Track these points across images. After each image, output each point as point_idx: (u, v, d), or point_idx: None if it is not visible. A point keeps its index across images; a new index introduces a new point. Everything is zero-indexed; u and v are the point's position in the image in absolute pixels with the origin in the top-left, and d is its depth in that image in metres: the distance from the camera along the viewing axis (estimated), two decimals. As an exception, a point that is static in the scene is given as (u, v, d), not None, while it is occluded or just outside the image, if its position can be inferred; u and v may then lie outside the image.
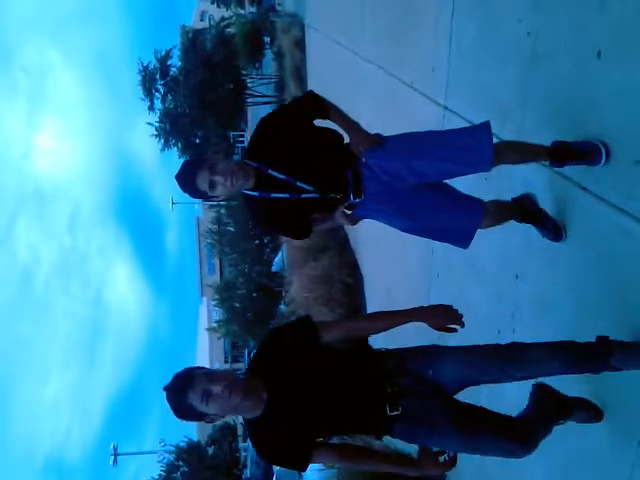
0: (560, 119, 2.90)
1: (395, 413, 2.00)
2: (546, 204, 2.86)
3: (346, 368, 2.07)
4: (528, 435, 2.01)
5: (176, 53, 21.54)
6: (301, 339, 2.06)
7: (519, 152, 2.64)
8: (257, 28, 24.65)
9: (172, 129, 20.64)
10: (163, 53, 21.25)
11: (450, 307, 2.09)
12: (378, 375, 2.05)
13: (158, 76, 20.90)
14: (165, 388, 1.98)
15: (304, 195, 2.41)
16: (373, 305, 9.12)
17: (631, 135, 2.38)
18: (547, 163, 2.68)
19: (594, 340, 2.08)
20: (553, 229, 2.73)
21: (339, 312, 9.81)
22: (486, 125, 2.45)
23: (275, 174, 2.38)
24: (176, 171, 2.39)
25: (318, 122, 2.54)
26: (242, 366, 41.11)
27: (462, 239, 2.58)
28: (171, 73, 20.96)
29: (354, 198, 2.46)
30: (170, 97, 20.68)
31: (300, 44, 17.33)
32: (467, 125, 4.06)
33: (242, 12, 30.33)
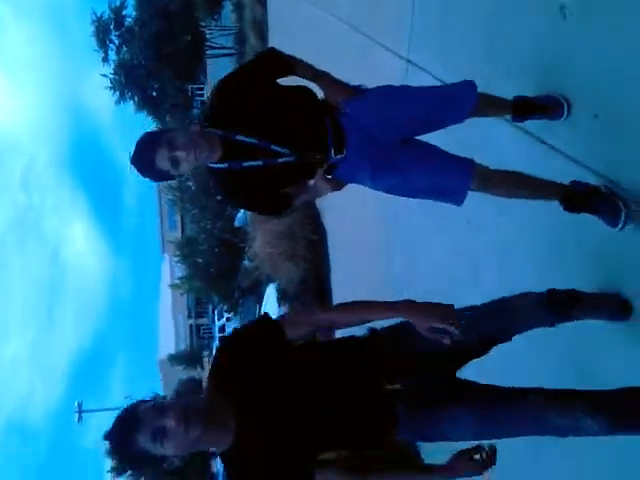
0: (525, 74, 2.95)
1: (396, 387, 1.70)
2: (506, 159, 2.93)
3: (327, 365, 1.73)
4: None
5: (131, 3, 20.73)
6: (265, 342, 1.69)
7: (485, 105, 2.49)
8: (215, -23, 23.77)
9: (127, 81, 20.01)
10: (117, 3, 20.40)
11: (451, 308, 1.66)
12: (370, 370, 1.74)
13: (112, 27, 20.11)
14: (107, 435, 1.58)
15: (280, 160, 2.15)
16: (337, 260, 9.24)
17: (591, 90, 2.45)
18: (509, 117, 2.67)
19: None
20: (612, 212, 2.20)
21: (303, 267, 9.93)
22: (471, 82, 2.34)
23: (244, 139, 2.12)
24: (130, 154, 2.12)
25: (285, 81, 2.32)
26: (206, 321, 41.22)
27: (454, 195, 2.28)
28: (126, 24, 20.18)
29: (336, 154, 2.21)
30: (125, 48, 19.97)
31: (260, -4, 16.82)
32: (429, 78, 4.10)
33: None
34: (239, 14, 20.03)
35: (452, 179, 2.24)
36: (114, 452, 1.63)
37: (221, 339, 1.88)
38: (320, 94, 2.30)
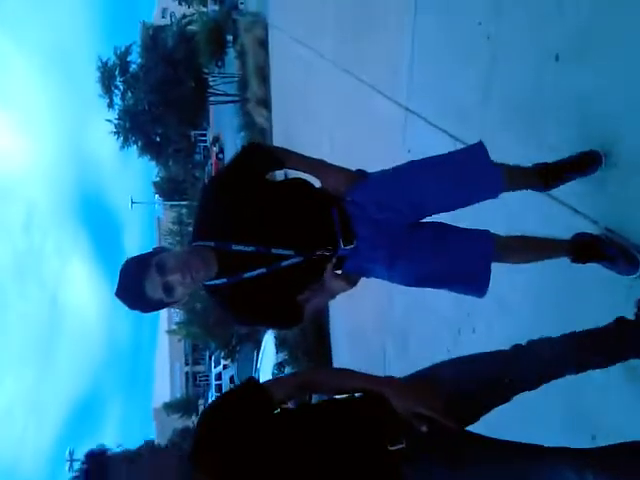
0: (519, 122, 2.94)
1: (399, 447, 1.53)
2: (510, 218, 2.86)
3: (324, 428, 1.59)
4: None
5: (136, 49, 21.22)
6: (251, 410, 1.58)
7: (515, 177, 2.21)
8: (219, 26, 24.41)
9: (132, 127, 20.32)
10: (123, 49, 20.87)
11: (436, 394, 1.56)
12: (370, 430, 1.57)
13: (117, 72, 20.55)
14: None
15: (284, 263, 1.91)
16: (335, 308, 9.13)
17: (585, 137, 2.41)
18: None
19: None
20: (623, 257, 2.15)
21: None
22: (480, 146, 2.10)
23: (241, 248, 1.88)
24: (115, 287, 1.83)
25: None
26: (202, 369, 40.65)
27: (475, 283, 2.07)
28: (131, 70, 20.63)
29: (345, 245, 1.97)
30: (130, 94, 20.35)
31: (263, 43, 17.23)
32: (427, 126, 4.09)
33: (204, 10, 29.99)
34: (242, 61, 20.47)
35: (474, 265, 2.04)
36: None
37: (203, 414, 1.65)
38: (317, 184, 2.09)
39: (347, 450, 1.54)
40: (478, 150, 2.08)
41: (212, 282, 1.91)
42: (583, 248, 2.19)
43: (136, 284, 1.78)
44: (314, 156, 2.13)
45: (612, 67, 2.30)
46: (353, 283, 1.89)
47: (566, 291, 2.58)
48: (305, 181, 2.06)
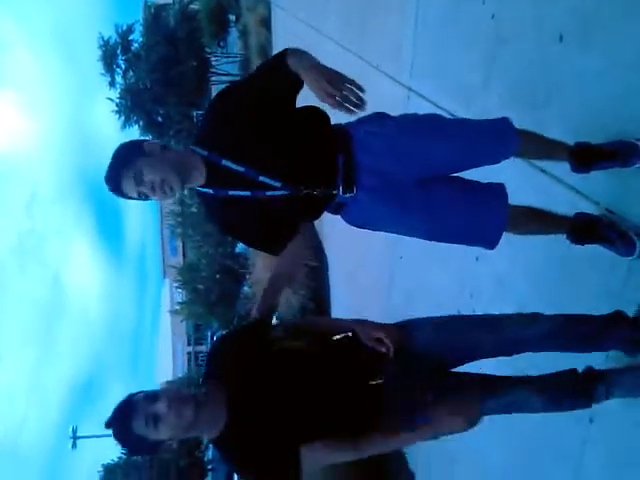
0: (523, 101, 2.92)
1: (378, 382, 1.80)
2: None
3: (314, 360, 1.83)
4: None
5: (138, 28, 21.02)
6: (253, 341, 1.85)
7: (536, 146, 2.17)
8: (222, 5, 24.15)
9: (133, 106, 20.18)
10: (125, 28, 20.68)
11: (389, 326, 1.86)
12: (355, 365, 1.83)
13: (119, 51, 20.37)
14: (107, 424, 1.70)
15: (268, 193, 1.87)
16: (337, 288, 9.15)
17: (589, 117, 2.40)
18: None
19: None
20: (620, 239, 2.12)
21: (302, 294, 9.83)
22: (506, 119, 2.03)
23: (230, 165, 1.85)
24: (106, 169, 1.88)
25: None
26: (204, 349, 40.88)
27: (486, 238, 2.05)
28: (133, 49, 20.45)
29: (344, 192, 1.91)
30: (131, 73, 20.20)
31: (266, 22, 17.06)
32: (430, 106, 4.06)
33: (207, -12, 29.63)
34: (245, 41, 20.32)
35: (488, 221, 2.00)
36: (116, 438, 1.71)
37: (213, 341, 1.95)
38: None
39: (333, 379, 1.78)
40: (500, 120, 2.03)
41: (200, 189, 1.93)
42: (583, 228, 2.18)
43: (115, 179, 1.84)
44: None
45: (617, 49, 2.28)
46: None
47: (566, 272, 2.59)
48: (323, 115, 1.97)
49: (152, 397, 1.67)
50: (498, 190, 2.04)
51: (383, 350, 1.79)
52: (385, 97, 5.22)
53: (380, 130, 1.95)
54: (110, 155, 1.89)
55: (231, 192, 1.88)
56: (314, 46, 9.29)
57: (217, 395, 1.75)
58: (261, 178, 1.85)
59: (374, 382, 1.80)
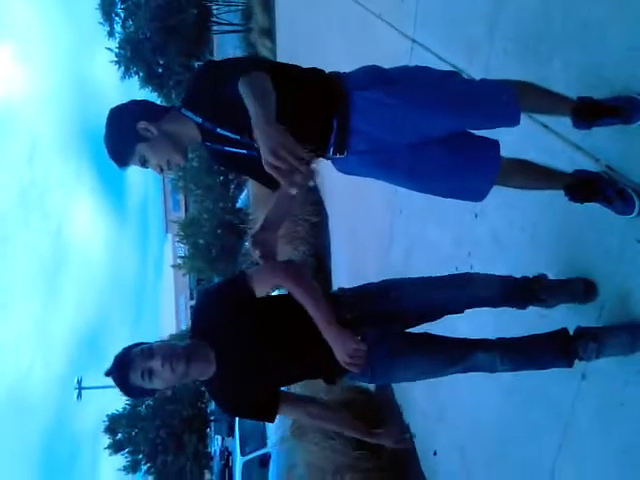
0: (527, 55, 2.84)
1: (338, 156, 1.94)
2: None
3: (295, 313, 1.93)
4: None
5: (137, -25, 20.38)
6: (236, 296, 1.94)
7: (538, 101, 2.13)
8: (223, -48, 23.41)
9: (133, 56, 19.77)
10: (123, -25, 20.09)
11: (357, 349, 1.86)
12: (336, 305, 1.95)
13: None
14: (107, 373, 1.88)
15: None
16: (337, 243, 9.16)
17: (593, 71, 2.33)
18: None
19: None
20: (619, 197, 2.10)
21: (303, 249, 9.85)
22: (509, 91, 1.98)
23: (225, 133, 1.86)
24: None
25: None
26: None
27: (473, 196, 2.10)
28: (131, -3, 19.93)
29: (334, 153, 1.94)
30: (130, 22, 19.72)
31: (268, -29, 16.54)
32: (433, 58, 3.96)
33: None
34: (246, -10, 19.77)
35: (477, 180, 2.02)
36: (116, 385, 1.88)
37: (198, 296, 2.17)
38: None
39: (310, 326, 1.87)
40: (499, 89, 1.99)
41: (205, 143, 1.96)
42: (582, 185, 2.15)
43: (119, 156, 1.90)
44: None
45: (625, 1, 2.19)
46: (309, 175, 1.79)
47: (563, 231, 2.57)
48: (322, 76, 1.96)
49: (147, 353, 1.84)
50: (490, 145, 2.02)
51: (355, 371, 1.90)
52: (388, 48, 5.09)
53: (380, 99, 1.89)
54: (108, 110, 1.89)
55: (227, 148, 1.92)
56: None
57: (205, 349, 1.92)
58: (256, 144, 1.74)
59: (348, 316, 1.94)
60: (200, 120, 1.86)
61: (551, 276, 2.24)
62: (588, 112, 2.08)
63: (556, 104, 2.15)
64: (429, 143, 1.96)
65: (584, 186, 2.16)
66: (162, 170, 1.95)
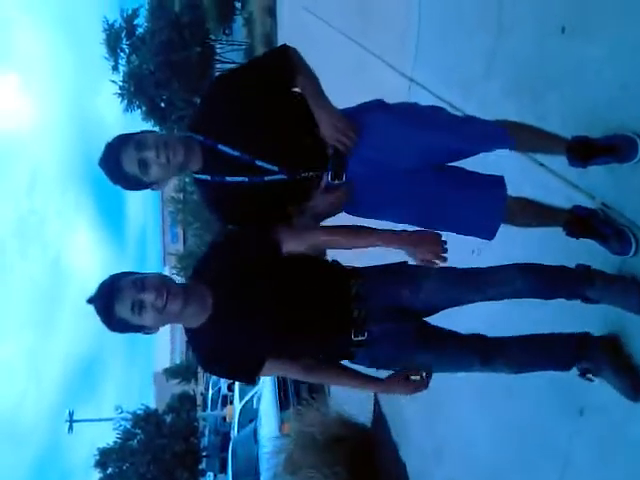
0: (523, 93, 2.90)
1: (360, 339, 1.83)
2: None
3: (310, 278, 1.85)
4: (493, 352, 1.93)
5: (143, 13, 20.90)
6: (255, 248, 1.81)
7: (533, 140, 2.15)
8: (228, -8, 24.00)
9: (136, 90, 20.09)
10: (130, 12, 20.58)
11: (440, 237, 1.78)
12: (346, 295, 1.85)
13: (124, 35, 20.28)
14: (89, 300, 1.69)
15: (267, 178, 1.86)
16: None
17: (589, 110, 2.38)
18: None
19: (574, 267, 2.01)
20: (616, 236, 2.10)
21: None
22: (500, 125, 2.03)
23: (227, 150, 1.84)
24: (99, 157, 1.86)
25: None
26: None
27: (483, 231, 2.07)
28: (137, 33, 20.36)
29: (332, 179, 1.92)
30: (135, 57, 20.11)
31: (271, 11, 16.97)
32: (430, 97, 4.05)
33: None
34: (250, 29, 20.22)
35: (484, 215, 2.01)
36: (98, 314, 1.68)
37: (208, 245, 2.01)
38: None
39: (317, 318, 1.81)
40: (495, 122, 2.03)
41: (198, 176, 1.91)
42: (578, 222, 2.17)
43: (115, 156, 1.80)
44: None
45: (619, 42, 2.26)
46: (342, 197, 1.92)
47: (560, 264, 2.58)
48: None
49: (140, 285, 1.65)
50: (496, 182, 2.03)
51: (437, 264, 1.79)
52: (386, 87, 5.20)
53: (375, 121, 1.93)
54: (109, 141, 1.84)
55: (228, 178, 1.87)
56: (318, 35, 9.25)
57: (204, 294, 1.76)
58: (258, 162, 1.84)
59: (357, 313, 1.84)
60: (201, 138, 1.86)
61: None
62: (583, 151, 2.10)
63: (550, 143, 2.18)
64: (430, 172, 1.97)
65: (580, 222, 2.18)
66: (161, 168, 1.82)
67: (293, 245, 1.82)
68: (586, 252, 2.30)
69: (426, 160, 1.95)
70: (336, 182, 1.93)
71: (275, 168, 1.85)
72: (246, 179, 1.86)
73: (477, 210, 2.01)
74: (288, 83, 1.92)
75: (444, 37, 4.13)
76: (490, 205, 2.00)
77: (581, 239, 2.19)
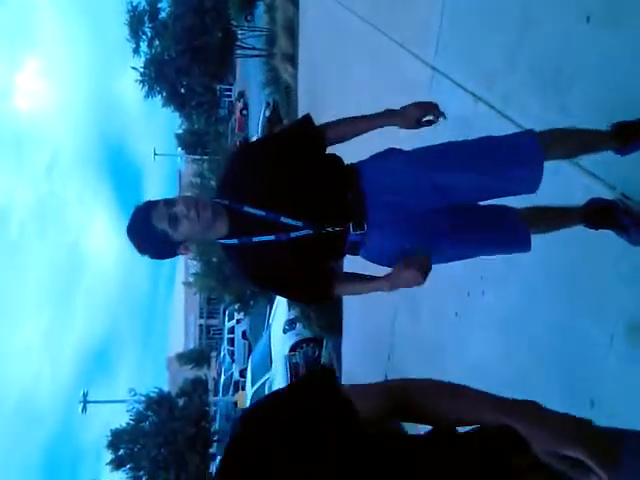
0: (545, 86, 2.88)
1: (359, 232, 1.90)
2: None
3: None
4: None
5: (167, -3, 20.89)
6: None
7: (570, 144, 2.04)
8: (251, -22, 23.91)
9: (157, 76, 20.14)
10: (154, -5, 20.59)
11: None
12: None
13: (146, 18, 20.31)
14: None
15: (293, 234, 1.87)
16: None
17: (613, 101, 2.36)
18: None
19: None
20: (636, 227, 2.11)
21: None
22: (530, 133, 1.96)
23: (252, 211, 1.88)
24: (126, 224, 1.90)
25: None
26: (216, 322, 41.30)
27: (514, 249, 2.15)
28: (160, 17, 20.37)
29: (354, 229, 1.91)
30: (157, 42, 20.14)
31: (293, -3, 16.88)
32: (453, 86, 4.03)
33: (236, -40, 29.30)
34: (271, 16, 20.14)
35: (511, 246, 2.10)
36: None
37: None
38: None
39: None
40: (524, 141, 1.94)
41: (225, 241, 1.94)
42: (597, 213, 2.18)
43: (144, 215, 1.85)
44: (340, 116, 2.08)
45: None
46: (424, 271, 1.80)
47: (577, 255, 2.58)
48: (336, 157, 2.01)
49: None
50: (519, 232, 2.06)
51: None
52: (409, 77, 5.18)
53: (389, 165, 1.95)
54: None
55: (255, 238, 1.89)
56: (340, 21, 9.21)
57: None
58: (283, 219, 1.87)
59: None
60: (227, 202, 1.90)
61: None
62: (632, 132, 2.04)
63: (592, 142, 2.09)
64: (453, 213, 1.95)
65: (600, 213, 2.18)
66: (189, 223, 1.85)
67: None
68: (602, 242, 2.29)
69: (442, 202, 1.92)
70: (357, 232, 1.92)
71: (300, 224, 1.87)
72: (272, 237, 1.88)
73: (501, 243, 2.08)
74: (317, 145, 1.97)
75: (468, 26, 4.10)
76: (515, 241, 2.07)
77: (600, 230, 2.19)
